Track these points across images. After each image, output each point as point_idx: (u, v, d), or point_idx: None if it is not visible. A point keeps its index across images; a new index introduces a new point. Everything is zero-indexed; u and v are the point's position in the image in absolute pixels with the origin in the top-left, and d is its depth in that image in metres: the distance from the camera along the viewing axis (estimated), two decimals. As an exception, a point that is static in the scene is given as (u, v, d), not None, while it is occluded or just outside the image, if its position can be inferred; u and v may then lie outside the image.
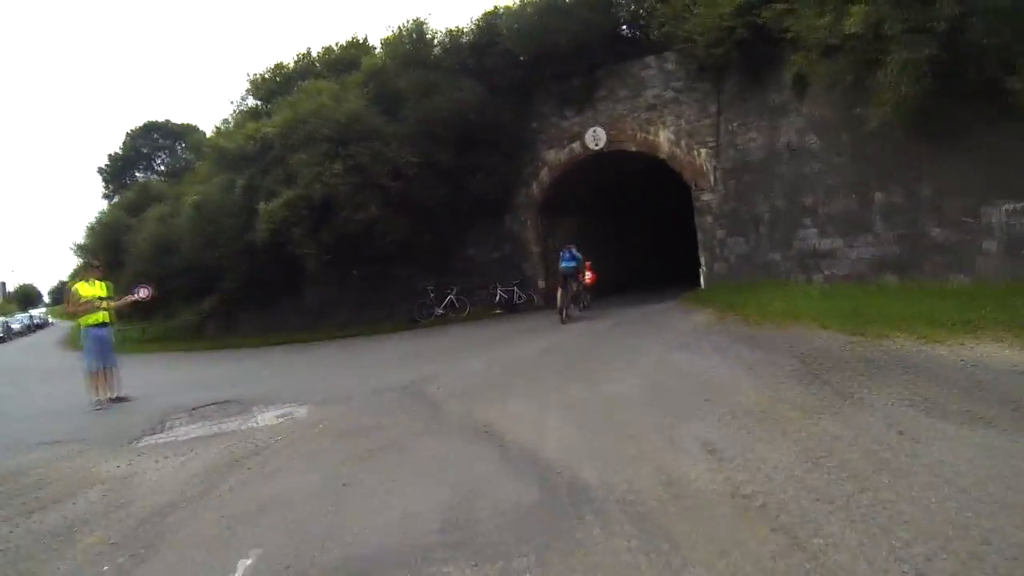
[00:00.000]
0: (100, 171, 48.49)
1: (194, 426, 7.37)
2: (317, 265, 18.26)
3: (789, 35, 12.60)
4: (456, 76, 19.07)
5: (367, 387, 8.48)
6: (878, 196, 12.22)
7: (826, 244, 13.20)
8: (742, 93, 15.85)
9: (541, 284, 20.14)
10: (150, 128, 48.21)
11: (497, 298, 19.68)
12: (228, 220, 19.97)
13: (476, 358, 10.15)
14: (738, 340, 9.14)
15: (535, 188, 19.85)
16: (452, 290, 19.94)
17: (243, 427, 6.98)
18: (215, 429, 7.06)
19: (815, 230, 13.47)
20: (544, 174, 19.64)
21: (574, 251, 15.56)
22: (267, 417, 7.29)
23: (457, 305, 19.82)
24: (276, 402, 8.16)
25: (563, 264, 15.25)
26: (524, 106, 19.46)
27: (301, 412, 7.33)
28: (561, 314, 14.64)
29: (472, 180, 18.87)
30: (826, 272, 13.15)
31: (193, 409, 8.43)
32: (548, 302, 19.39)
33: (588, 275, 16.66)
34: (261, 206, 18.07)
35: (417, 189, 18.00)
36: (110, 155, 48.03)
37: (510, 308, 19.30)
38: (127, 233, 27.01)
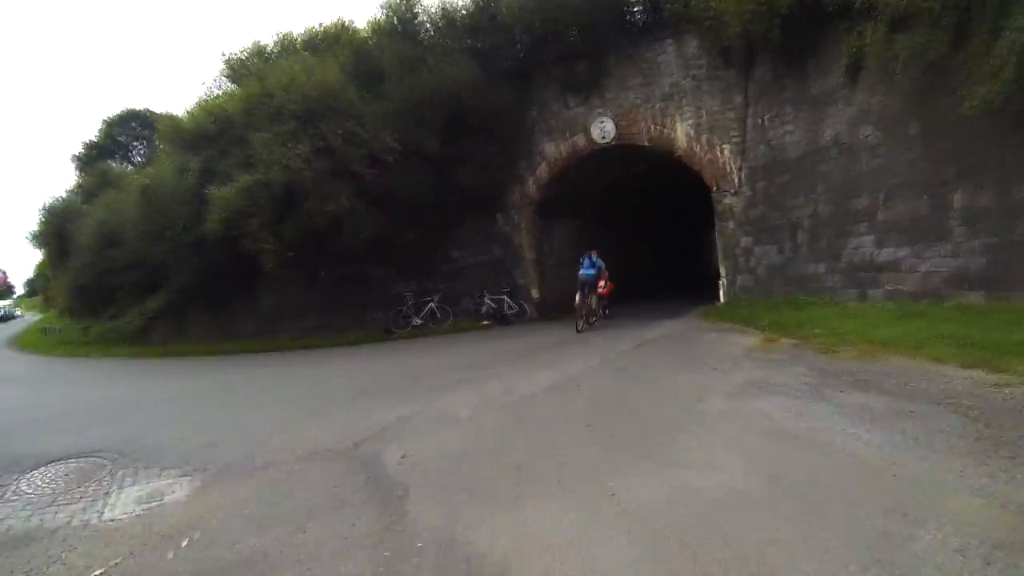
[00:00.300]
0: (74, 159, 44.72)
1: (12, 507, 4.40)
2: (277, 263, 15.21)
3: (858, 5, 9.99)
4: (448, 53, 16.20)
5: (298, 444, 5.50)
6: (958, 197, 9.65)
7: (887, 254, 10.57)
8: (776, 81, 13.20)
9: (535, 294, 17.27)
10: (129, 116, 44.57)
11: (485, 308, 16.80)
12: (179, 208, 16.84)
13: (463, 394, 7.23)
14: (827, 376, 6.46)
15: (531, 185, 17.02)
16: (433, 297, 16.98)
17: (75, 522, 4.05)
18: (33, 522, 4.13)
19: (872, 237, 10.85)
20: (542, 169, 16.82)
21: (594, 257, 13.58)
22: (124, 500, 4.37)
23: (439, 315, 16.86)
24: (159, 463, 5.25)
25: (582, 272, 13.40)
26: (522, 91, 16.62)
27: (178, 495, 4.39)
28: (577, 325, 12.93)
29: (461, 172, 15.95)
30: (887, 287, 10.51)
31: (45, 465, 5.46)
32: (542, 314, 16.63)
33: (602, 284, 13.95)
34: (212, 192, 15.00)
35: (397, 179, 15.03)
36: (85, 143, 44.29)
37: (499, 320, 16.42)
38: (75, 221, 23.64)
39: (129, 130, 44.97)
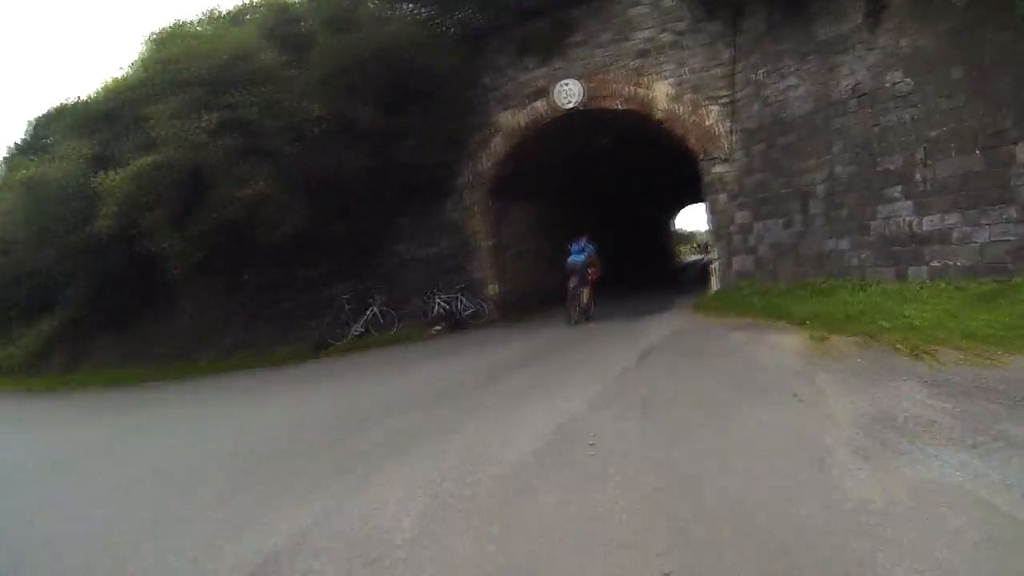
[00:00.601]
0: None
1: None
2: (186, 267, 12.27)
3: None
4: (385, 12, 13.47)
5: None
6: (1023, 150, 7.68)
7: (931, 223, 8.59)
8: (772, 30, 11.14)
9: (493, 290, 14.73)
10: (60, 113, 39.52)
11: (436, 310, 14.17)
12: (68, 205, 13.58)
13: (402, 472, 4.39)
14: (966, 398, 4.37)
15: (485, 162, 14.48)
16: (375, 299, 14.22)
17: None
18: None
19: (909, 203, 8.85)
20: (497, 143, 14.29)
21: (583, 242, 12.17)
22: None
23: (382, 320, 14.10)
24: None
25: (570, 258, 12.00)
26: (473, 54, 14.06)
27: None
28: (570, 318, 11.77)
29: (402, 149, 13.28)
30: (933, 263, 8.51)
31: None
32: (503, 314, 14.20)
33: (592, 271, 12.18)
34: (101, 180, 11.95)
35: (325, 158, 12.23)
36: (10, 146, 39.18)
37: (454, 323, 13.80)
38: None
39: (61, 129, 40.05)
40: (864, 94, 9.48)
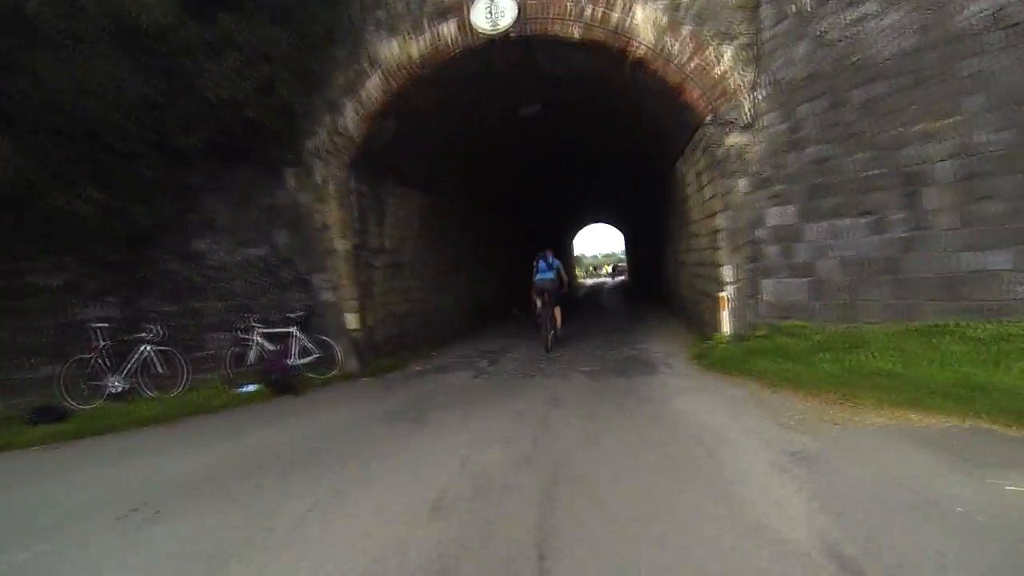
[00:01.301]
0: None
1: None
2: None
3: None
4: None
5: None
6: None
7: None
8: (823, -65, 7.41)
9: (353, 323, 9.52)
10: None
11: (254, 354, 8.67)
12: None
13: None
14: None
15: (351, 113, 9.33)
16: (150, 332, 8.36)
17: None
18: None
19: None
20: (373, 85, 9.20)
21: (551, 258, 10.62)
22: None
23: (161, 369, 8.28)
24: None
25: (539, 276, 10.44)
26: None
27: None
28: (546, 342, 10.28)
29: (214, 76, 7.72)
30: None
31: None
32: (368, 363, 9.31)
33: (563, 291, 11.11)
34: None
35: (65, 66, 6.40)
36: None
37: (281, 383, 8.31)
38: None
39: None
40: (1017, 23, 6.00)
